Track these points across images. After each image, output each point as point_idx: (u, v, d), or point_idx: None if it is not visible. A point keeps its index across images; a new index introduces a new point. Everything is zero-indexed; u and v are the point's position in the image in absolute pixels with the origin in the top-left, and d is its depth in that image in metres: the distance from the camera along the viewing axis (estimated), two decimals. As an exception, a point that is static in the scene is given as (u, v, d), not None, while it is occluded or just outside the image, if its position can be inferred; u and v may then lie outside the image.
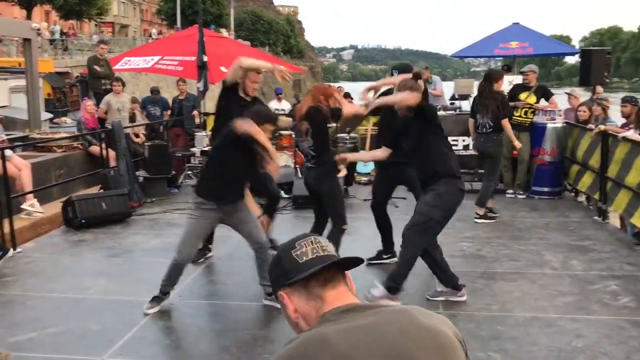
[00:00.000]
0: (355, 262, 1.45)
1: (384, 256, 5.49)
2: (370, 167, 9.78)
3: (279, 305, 1.48)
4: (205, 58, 9.51)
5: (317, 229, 4.93)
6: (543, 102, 8.66)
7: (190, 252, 4.49)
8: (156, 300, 4.41)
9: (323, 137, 4.80)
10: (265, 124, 4.24)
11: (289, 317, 1.44)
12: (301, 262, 1.41)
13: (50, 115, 14.98)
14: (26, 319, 4.29)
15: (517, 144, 7.07)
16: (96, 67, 10.50)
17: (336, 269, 1.43)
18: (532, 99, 8.12)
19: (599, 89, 9.02)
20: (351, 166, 9.02)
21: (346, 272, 1.46)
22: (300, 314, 1.42)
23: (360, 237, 6.10)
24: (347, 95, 11.84)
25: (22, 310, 4.52)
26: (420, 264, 4.54)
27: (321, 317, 1.37)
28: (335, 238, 4.71)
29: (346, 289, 1.44)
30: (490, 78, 7.04)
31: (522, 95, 8.11)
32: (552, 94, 8.52)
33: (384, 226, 5.52)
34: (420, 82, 4.87)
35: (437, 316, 1.39)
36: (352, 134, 10.29)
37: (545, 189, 8.16)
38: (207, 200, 4.34)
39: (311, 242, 1.44)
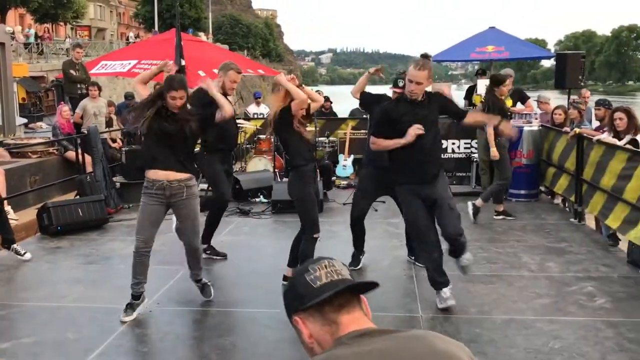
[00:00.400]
0: (369, 286, 1.44)
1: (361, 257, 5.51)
2: (349, 171, 9.80)
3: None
4: (183, 62, 9.45)
5: (300, 236, 4.89)
6: (519, 106, 8.77)
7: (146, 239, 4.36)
8: (130, 307, 4.35)
9: (291, 142, 4.69)
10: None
11: (304, 342, 1.43)
12: (315, 287, 1.39)
13: (25, 121, 14.79)
14: (0, 329, 4.21)
15: (495, 154, 7.02)
16: (72, 72, 10.38)
17: (350, 293, 1.41)
18: (509, 103, 8.21)
19: (586, 92, 9.13)
20: (330, 170, 9.04)
21: (362, 296, 1.45)
22: (315, 339, 1.40)
23: (340, 240, 6.11)
24: (326, 99, 11.85)
25: (-4, 319, 4.43)
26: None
27: (336, 340, 1.36)
28: (309, 248, 4.64)
29: (362, 313, 1.42)
30: (492, 83, 7.06)
31: (508, 101, 8.21)
32: (529, 97, 8.63)
33: (361, 233, 5.51)
34: None
35: (453, 341, 1.38)
36: (331, 138, 10.31)
37: (522, 192, 8.25)
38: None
39: (325, 265, 1.43)
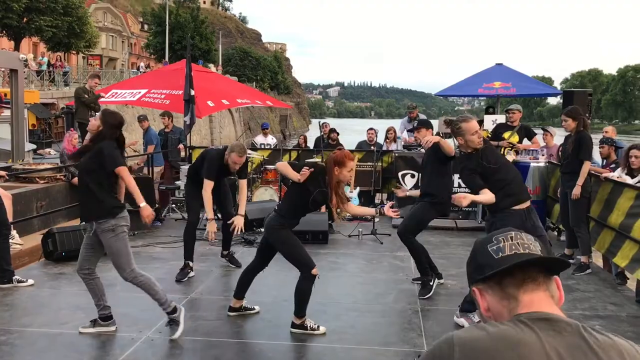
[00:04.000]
0: (561, 265, 1.32)
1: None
2: (355, 203, 9.77)
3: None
4: (192, 92, 9.56)
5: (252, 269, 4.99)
6: (525, 142, 8.78)
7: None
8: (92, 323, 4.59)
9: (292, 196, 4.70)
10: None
11: (481, 315, 1.35)
12: (496, 258, 1.30)
13: (34, 146, 14.91)
14: (1, 354, 4.17)
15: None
16: (85, 95, 10.51)
17: (538, 270, 1.30)
18: (515, 139, 8.23)
19: (610, 129, 9.02)
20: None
21: (556, 277, 1.33)
22: (492, 313, 1.32)
23: (345, 273, 6.06)
24: (333, 131, 11.91)
25: (-4, 345, 4.39)
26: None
27: (514, 317, 1.25)
28: (306, 286, 4.51)
29: (547, 294, 1.29)
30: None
31: (506, 135, 8.23)
32: (535, 134, 8.64)
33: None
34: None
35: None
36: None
37: (529, 228, 8.20)
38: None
39: (511, 237, 1.33)
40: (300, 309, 4.58)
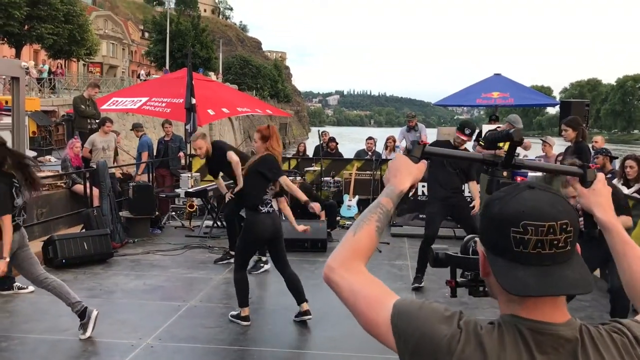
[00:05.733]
0: (580, 286, 1.11)
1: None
2: (353, 211, 9.84)
3: None
4: (193, 100, 9.62)
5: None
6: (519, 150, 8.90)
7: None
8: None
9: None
10: None
11: (480, 271, 1.22)
12: (514, 251, 1.11)
13: (34, 154, 14.92)
14: (1, 361, 4.21)
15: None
16: (82, 107, 10.56)
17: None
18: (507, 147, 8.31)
19: (600, 139, 9.12)
20: (335, 210, 9.08)
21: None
22: (489, 285, 1.21)
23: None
24: (332, 140, 11.97)
25: (-3, 351, 4.43)
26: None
27: (510, 315, 1.13)
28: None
29: (563, 302, 1.14)
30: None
31: (501, 144, 8.29)
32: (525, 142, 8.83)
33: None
34: None
35: None
36: (336, 178, 10.38)
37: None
38: None
39: (542, 231, 1.09)
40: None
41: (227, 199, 7.07)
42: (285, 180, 5.09)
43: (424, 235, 6.13)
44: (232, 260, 6.80)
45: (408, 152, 1.43)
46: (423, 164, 1.42)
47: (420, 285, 6.09)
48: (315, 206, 5.31)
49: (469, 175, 6.20)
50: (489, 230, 1.15)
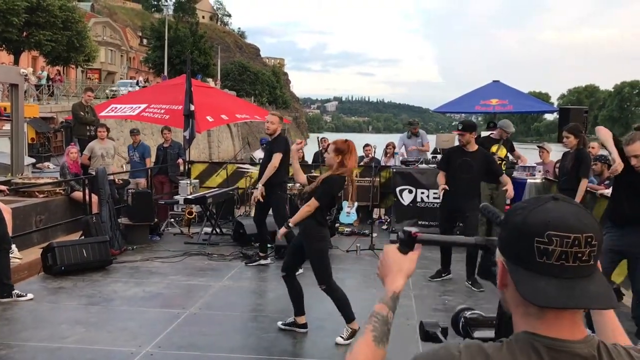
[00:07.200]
0: (602, 301, 1.08)
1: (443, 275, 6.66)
2: (352, 218, 9.83)
3: None
4: (192, 107, 9.64)
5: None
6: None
7: None
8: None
9: None
10: None
11: (498, 284, 1.18)
12: (536, 261, 1.07)
13: (33, 160, 14.93)
14: (0, 369, 4.19)
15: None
16: (81, 113, 10.57)
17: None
18: (503, 152, 8.36)
19: (597, 145, 9.14)
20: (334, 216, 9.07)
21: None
22: (507, 298, 1.16)
23: (343, 288, 6.06)
24: (331, 146, 11.96)
25: (-4, 359, 4.41)
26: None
27: (524, 332, 1.09)
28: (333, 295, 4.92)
29: (580, 316, 1.10)
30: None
31: (493, 148, 8.32)
32: (514, 150, 9.02)
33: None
34: None
35: None
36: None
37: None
38: None
39: (567, 242, 1.05)
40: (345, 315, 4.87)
41: (254, 200, 7.24)
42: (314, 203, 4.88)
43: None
44: (262, 262, 7.24)
45: (399, 243, 1.38)
46: (414, 254, 1.38)
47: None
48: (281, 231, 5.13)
49: (497, 175, 6.68)
50: (510, 239, 1.11)
